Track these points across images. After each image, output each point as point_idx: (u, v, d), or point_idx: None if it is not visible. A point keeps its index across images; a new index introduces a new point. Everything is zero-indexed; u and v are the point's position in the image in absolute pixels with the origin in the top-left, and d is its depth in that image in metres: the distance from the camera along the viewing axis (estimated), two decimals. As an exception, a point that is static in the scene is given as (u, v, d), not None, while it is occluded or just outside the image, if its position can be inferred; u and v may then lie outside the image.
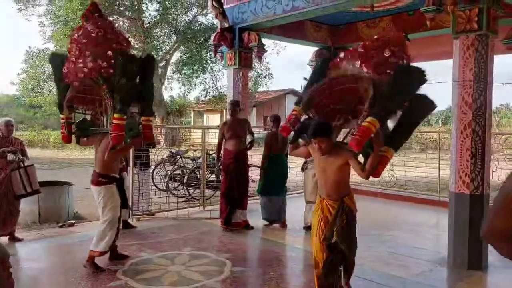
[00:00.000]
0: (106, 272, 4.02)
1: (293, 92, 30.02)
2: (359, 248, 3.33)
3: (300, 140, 3.48)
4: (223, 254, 4.64)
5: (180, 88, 48.25)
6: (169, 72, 23.93)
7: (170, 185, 8.57)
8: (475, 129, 4.14)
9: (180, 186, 8.71)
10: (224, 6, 6.57)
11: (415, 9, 5.89)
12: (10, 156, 4.79)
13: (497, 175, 7.11)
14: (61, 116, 4.23)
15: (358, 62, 3.13)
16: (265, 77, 25.05)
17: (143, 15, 21.87)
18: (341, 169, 3.10)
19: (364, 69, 3.14)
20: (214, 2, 6.51)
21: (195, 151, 10.52)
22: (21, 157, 4.86)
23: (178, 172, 8.98)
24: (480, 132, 4.14)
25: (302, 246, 5.18)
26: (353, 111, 3.20)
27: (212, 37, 6.62)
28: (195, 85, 23.52)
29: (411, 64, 3.22)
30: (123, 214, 5.80)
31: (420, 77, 3.06)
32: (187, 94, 27.25)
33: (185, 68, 22.60)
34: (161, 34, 22.77)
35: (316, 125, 3.07)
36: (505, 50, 6.19)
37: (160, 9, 21.90)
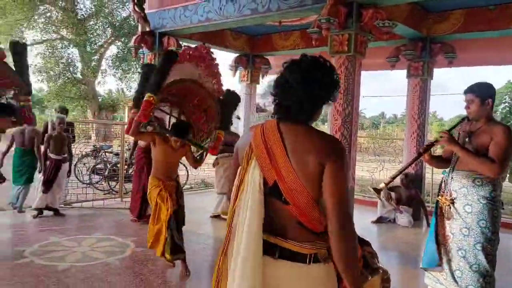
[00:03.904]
0: (13, 251, 4.38)
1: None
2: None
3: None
4: (129, 238, 5.16)
5: (117, 83, 47.03)
6: (104, 66, 23.57)
7: (91, 178, 8.86)
8: (344, 132, 5.02)
9: (102, 179, 9.02)
10: (146, 11, 7.06)
11: (493, 4, 5.72)
12: None
13: (383, 173, 8.26)
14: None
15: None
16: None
17: (77, 6, 21.45)
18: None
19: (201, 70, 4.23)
20: (136, 7, 6.97)
21: (119, 146, 10.80)
22: None
23: (100, 166, 9.27)
24: (348, 135, 5.03)
25: (205, 232, 5.84)
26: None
27: (133, 40, 7.07)
28: (134, 80, 23.24)
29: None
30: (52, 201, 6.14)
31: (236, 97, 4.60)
32: (128, 90, 26.72)
33: (123, 63, 22.38)
34: (96, 27, 22.42)
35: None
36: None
37: (96, 1, 21.60)
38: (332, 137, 1.59)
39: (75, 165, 8.66)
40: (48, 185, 5.99)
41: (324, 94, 1.58)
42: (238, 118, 6.57)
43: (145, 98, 3.82)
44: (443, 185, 3.06)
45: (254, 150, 1.57)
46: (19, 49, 4.18)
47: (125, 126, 4.42)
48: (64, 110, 7.11)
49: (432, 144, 3.02)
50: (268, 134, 1.56)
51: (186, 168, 9.69)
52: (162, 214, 4.06)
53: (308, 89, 1.53)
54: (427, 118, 6.90)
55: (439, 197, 3.06)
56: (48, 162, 6.05)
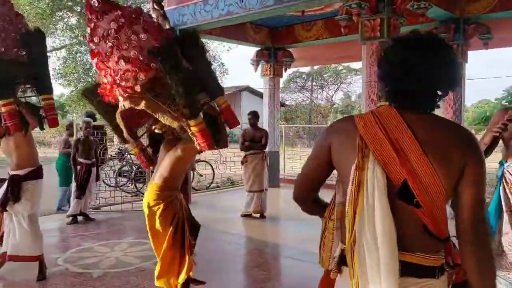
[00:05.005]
0: (46, 259, 4.29)
1: (248, 88, 30.59)
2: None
3: None
4: (161, 241, 5.03)
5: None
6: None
7: (118, 180, 8.83)
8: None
9: (128, 182, 8.98)
10: (165, 8, 6.92)
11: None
12: None
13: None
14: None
15: None
16: (220, 73, 25.40)
17: (93, 10, 21.56)
18: None
19: None
20: (155, 5, 6.83)
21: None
22: None
23: (126, 168, 9.22)
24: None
25: (237, 232, 5.68)
26: None
27: (153, 38, 6.93)
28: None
29: None
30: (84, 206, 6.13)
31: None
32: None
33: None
34: (113, 30, 22.50)
35: None
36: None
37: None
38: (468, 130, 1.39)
39: (102, 168, 8.63)
40: (81, 190, 5.95)
41: (455, 80, 1.36)
42: None
43: (225, 104, 3.10)
44: (507, 176, 2.78)
45: (370, 145, 1.31)
46: (35, 37, 3.65)
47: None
48: (90, 115, 7.06)
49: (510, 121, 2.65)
50: (390, 126, 1.31)
51: (211, 166, 9.59)
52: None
53: (440, 72, 1.31)
54: (463, 104, 6.56)
55: (506, 190, 2.78)
56: (78, 167, 6.00)
